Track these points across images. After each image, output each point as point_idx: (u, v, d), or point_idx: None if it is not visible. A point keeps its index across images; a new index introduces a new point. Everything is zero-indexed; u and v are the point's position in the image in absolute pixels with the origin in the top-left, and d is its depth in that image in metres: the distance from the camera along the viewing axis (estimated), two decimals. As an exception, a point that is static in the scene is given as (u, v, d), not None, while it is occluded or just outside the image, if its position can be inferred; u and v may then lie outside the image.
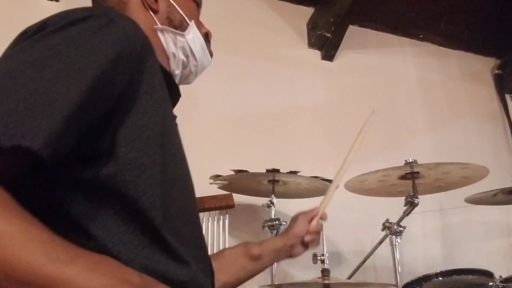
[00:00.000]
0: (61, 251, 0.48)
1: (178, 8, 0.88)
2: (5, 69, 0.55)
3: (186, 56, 0.89)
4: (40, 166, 0.51)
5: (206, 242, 1.79)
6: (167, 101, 0.73)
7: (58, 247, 0.49)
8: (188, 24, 0.88)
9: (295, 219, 1.10)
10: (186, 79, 0.94)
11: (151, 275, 0.57)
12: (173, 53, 0.87)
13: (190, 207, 0.72)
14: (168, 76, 0.79)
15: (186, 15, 0.89)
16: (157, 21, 0.86)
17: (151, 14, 0.86)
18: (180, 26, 0.88)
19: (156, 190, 0.62)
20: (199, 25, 0.93)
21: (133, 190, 0.60)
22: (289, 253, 1.06)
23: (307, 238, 1.06)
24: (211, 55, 0.95)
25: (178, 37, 0.87)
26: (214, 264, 0.86)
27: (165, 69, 0.78)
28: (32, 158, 0.50)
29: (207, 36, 0.94)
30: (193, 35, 0.89)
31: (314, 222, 1.08)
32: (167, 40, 0.86)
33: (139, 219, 0.61)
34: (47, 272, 0.46)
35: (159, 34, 0.86)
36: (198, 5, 0.95)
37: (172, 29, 0.86)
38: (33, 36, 0.60)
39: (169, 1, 0.88)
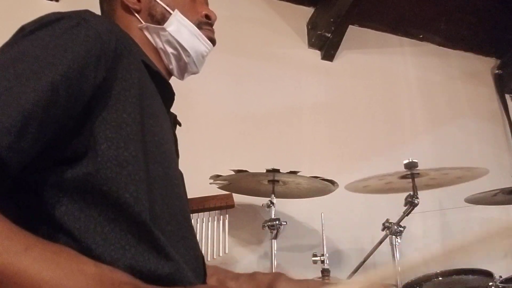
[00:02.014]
0: (16, 241, 0.48)
1: (159, 1, 0.86)
2: None
3: (175, 49, 0.86)
4: (2, 165, 0.51)
5: (206, 242, 1.80)
6: (152, 98, 0.73)
7: (12, 236, 0.48)
8: (170, 14, 0.85)
9: (277, 279, 0.82)
10: (187, 71, 0.91)
11: (138, 274, 0.57)
12: (161, 48, 0.86)
13: (175, 206, 0.71)
14: (156, 74, 0.77)
15: (168, 5, 0.86)
16: (140, 20, 0.85)
17: (135, 15, 0.85)
18: (163, 19, 0.85)
19: (139, 186, 0.62)
20: (193, 8, 0.89)
21: (115, 186, 0.60)
22: None
23: None
24: (212, 40, 0.90)
25: (161, 32, 0.85)
26: (234, 284, 0.81)
27: (151, 67, 0.76)
28: None
29: (208, 18, 0.90)
30: (177, 25, 0.85)
31: None
32: (153, 37, 0.86)
33: (125, 217, 0.60)
34: (0, 262, 0.46)
35: (145, 32, 0.85)
36: None
37: (153, 25, 0.85)
38: (10, 41, 0.61)
39: None
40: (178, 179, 0.76)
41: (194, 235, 0.78)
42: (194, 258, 0.73)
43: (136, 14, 0.85)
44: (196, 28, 0.88)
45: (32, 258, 0.47)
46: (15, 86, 0.53)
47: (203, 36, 0.89)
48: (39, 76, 0.55)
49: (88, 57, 0.60)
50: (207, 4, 0.94)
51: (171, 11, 0.86)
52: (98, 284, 0.48)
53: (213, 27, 0.93)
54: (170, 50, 0.86)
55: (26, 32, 0.61)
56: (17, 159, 0.52)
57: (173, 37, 0.85)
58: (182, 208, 0.74)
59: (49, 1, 2.14)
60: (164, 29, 0.85)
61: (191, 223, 0.80)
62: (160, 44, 0.86)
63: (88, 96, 0.60)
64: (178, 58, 0.88)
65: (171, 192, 0.71)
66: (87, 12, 0.66)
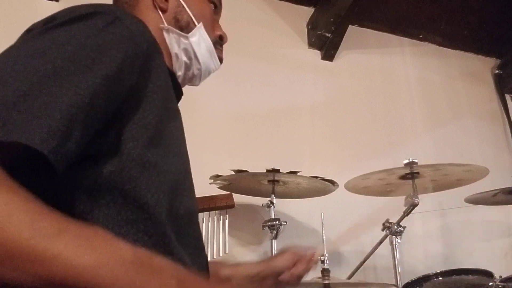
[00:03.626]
0: (48, 223, 0.46)
1: (187, 9, 0.86)
2: (7, 59, 0.55)
3: (189, 59, 0.87)
4: (47, 164, 0.50)
5: (206, 242, 1.80)
6: (172, 99, 0.73)
7: (44, 219, 0.46)
8: (195, 25, 0.86)
9: (282, 252, 0.97)
10: (190, 81, 0.93)
11: None
12: (176, 53, 0.86)
13: (192, 207, 0.72)
14: (172, 75, 0.79)
15: (195, 16, 0.87)
16: (164, 20, 0.85)
17: (159, 13, 0.85)
18: (186, 27, 0.86)
19: (161, 187, 0.62)
20: (213, 27, 0.90)
21: (138, 186, 0.60)
22: (259, 286, 0.94)
23: (284, 276, 0.93)
24: (221, 60, 0.92)
25: (182, 39, 0.86)
26: None
27: (169, 68, 0.78)
28: (32, 154, 0.49)
29: (221, 39, 0.92)
30: (198, 38, 0.86)
31: (301, 266, 0.95)
32: (171, 41, 0.86)
33: (143, 217, 0.60)
34: (32, 246, 0.44)
35: (165, 33, 0.85)
36: (216, 6, 0.92)
37: (176, 30, 0.85)
38: (39, 30, 0.60)
39: (179, 0, 0.86)
40: (191, 181, 0.76)
41: (201, 235, 0.79)
42: (201, 259, 0.73)
43: (161, 13, 0.85)
44: (212, 46, 0.89)
45: (66, 243, 0.45)
46: (55, 86, 0.52)
47: (216, 55, 0.90)
48: (80, 79, 0.54)
49: (124, 59, 0.60)
50: (218, 23, 0.96)
51: (196, 23, 0.87)
52: (137, 272, 0.47)
53: None
54: (184, 58, 0.87)
55: (57, 23, 0.59)
56: (63, 162, 0.51)
57: (192, 47, 0.86)
58: (195, 209, 0.75)
59: (49, 1, 2.14)
60: (187, 38, 0.86)
61: (199, 223, 0.81)
62: (176, 49, 0.86)
63: (122, 98, 0.60)
64: (189, 68, 0.88)
65: (188, 194, 0.71)
66: (118, 9, 0.66)
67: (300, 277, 0.95)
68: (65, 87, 0.53)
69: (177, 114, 0.75)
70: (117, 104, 0.59)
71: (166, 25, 0.85)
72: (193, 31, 0.86)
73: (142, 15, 0.84)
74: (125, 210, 0.59)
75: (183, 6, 0.87)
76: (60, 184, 0.57)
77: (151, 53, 0.66)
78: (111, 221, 0.58)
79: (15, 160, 0.50)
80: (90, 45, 0.58)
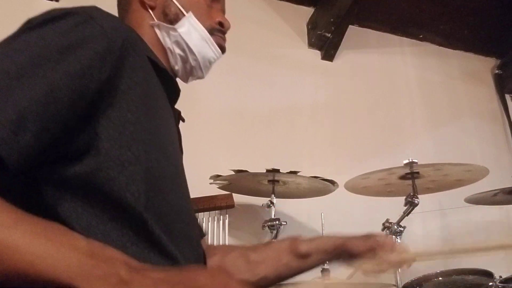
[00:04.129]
0: (5, 215, 0.48)
1: (174, 1, 0.86)
2: None
3: (183, 51, 0.86)
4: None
5: (206, 243, 1.80)
6: (157, 96, 0.73)
7: (1, 210, 0.48)
8: (184, 15, 0.86)
9: (367, 237, 0.90)
10: (191, 74, 0.91)
11: None
12: (169, 48, 0.86)
13: (180, 205, 0.71)
14: (163, 72, 0.78)
15: (183, 6, 0.86)
16: (154, 17, 0.86)
17: (149, 11, 0.86)
18: (176, 20, 0.86)
19: (141, 186, 0.62)
20: (208, 14, 0.89)
21: (116, 186, 0.60)
22: (339, 255, 0.91)
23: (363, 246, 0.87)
24: (222, 47, 0.90)
25: (171, 31, 0.85)
26: (256, 255, 0.85)
27: (158, 64, 0.76)
28: None
29: (222, 26, 0.90)
30: (188, 28, 0.85)
31: (393, 256, 0.86)
32: (163, 36, 0.86)
33: (126, 216, 0.60)
34: None
35: (156, 30, 0.86)
36: None
37: (165, 24, 0.85)
38: (14, 33, 0.61)
39: None
40: (182, 178, 0.76)
41: (197, 234, 0.79)
42: (196, 256, 0.73)
43: (150, 11, 0.86)
44: (208, 33, 0.87)
45: (22, 232, 0.46)
46: (14, 82, 0.53)
47: (213, 42, 0.88)
48: (39, 77, 0.55)
49: (93, 55, 0.60)
50: (223, 12, 0.94)
51: (185, 13, 0.86)
52: (89, 259, 0.48)
53: None
54: (177, 51, 0.86)
55: (31, 26, 0.61)
56: (16, 154, 0.51)
57: (182, 38, 0.85)
58: (187, 206, 0.74)
59: (49, 1, 2.14)
60: (175, 30, 0.85)
61: (196, 221, 0.80)
62: (168, 44, 0.86)
63: (92, 94, 0.60)
64: (185, 60, 0.88)
65: (176, 191, 0.71)
66: (93, 8, 0.66)
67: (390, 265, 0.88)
68: (24, 85, 0.54)
69: (164, 111, 0.75)
70: (86, 99, 0.59)
71: (156, 21, 0.85)
72: (181, 21, 0.85)
73: (135, 17, 0.85)
74: (108, 208, 0.60)
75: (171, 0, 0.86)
76: (44, 186, 0.58)
77: (126, 49, 0.65)
78: (95, 218, 0.59)
79: None
80: (56, 46, 0.58)
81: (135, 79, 0.66)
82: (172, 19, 0.86)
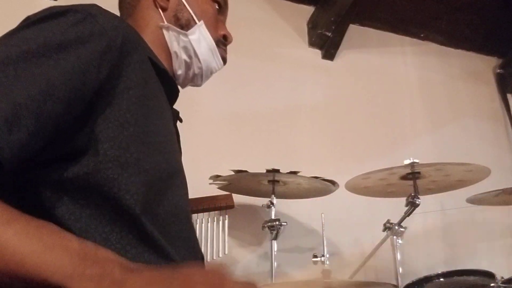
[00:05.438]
0: None
1: (188, 7, 0.87)
2: None
3: (189, 57, 0.87)
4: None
5: (206, 243, 1.80)
6: (157, 97, 0.72)
7: None
8: (196, 23, 0.87)
9: None
10: (192, 81, 0.92)
11: None
12: (175, 52, 0.86)
13: (178, 207, 0.71)
14: (163, 72, 0.78)
15: (196, 14, 0.87)
16: (164, 18, 0.86)
17: (159, 11, 0.86)
18: (187, 25, 0.86)
19: (139, 188, 0.62)
20: (216, 26, 0.90)
21: (116, 188, 0.59)
22: None
23: None
24: (224, 60, 0.92)
25: (181, 37, 0.86)
26: None
27: (159, 65, 0.76)
28: None
29: (226, 39, 0.92)
30: (198, 36, 0.87)
31: None
32: (171, 39, 0.86)
33: (125, 218, 0.60)
34: None
35: (164, 32, 0.86)
36: (221, 6, 0.92)
37: (176, 28, 0.86)
38: (13, 29, 0.61)
39: None
40: (181, 180, 0.75)
41: (195, 236, 0.78)
42: (195, 258, 0.73)
43: (161, 12, 0.86)
44: (215, 44, 0.89)
45: (14, 231, 0.46)
46: (10, 78, 0.53)
47: (218, 54, 0.90)
48: (35, 71, 0.54)
49: (91, 53, 0.60)
50: (224, 23, 0.96)
51: (197, 21, 0.87)
52: (82, 260, 0.47)
53: None
54: (184, 56, 0.87)
55: (29, 23, 0.60)
56: (10, 151, 0.51)
57: (192, 45, 0.86)
58: (185, 208, 0.74)
59: (49, 0, 2.13)
60: (186, 35, 0.86)
61: (192, 223, 0.80)
62: (175, 48, 0.86)
63: (90, 93, 0.59)
64: (189, 66, 0.88)
65: (175, 193, 0.71)
66: (93, 6, 0.65)
67: None
68: (20, 82, 0.53)
69: (164, 112, 0.75)
70: (84, 98, 0.59)
71: (165, 23, 0.85)
72: (193, 28, 0.86)
73: (143, 14, 0.85)
74: (107, 210, 0.59)
75: (184, 5, 0.87)
76: (42, 188, 0.57)
77: (126, 48, 0.65)
78: (94, 221, 0.58)
79: None
80: (55, 43, 0.58)
81: (134, 79, 0.65)
82: (183, 24, 0.86)
